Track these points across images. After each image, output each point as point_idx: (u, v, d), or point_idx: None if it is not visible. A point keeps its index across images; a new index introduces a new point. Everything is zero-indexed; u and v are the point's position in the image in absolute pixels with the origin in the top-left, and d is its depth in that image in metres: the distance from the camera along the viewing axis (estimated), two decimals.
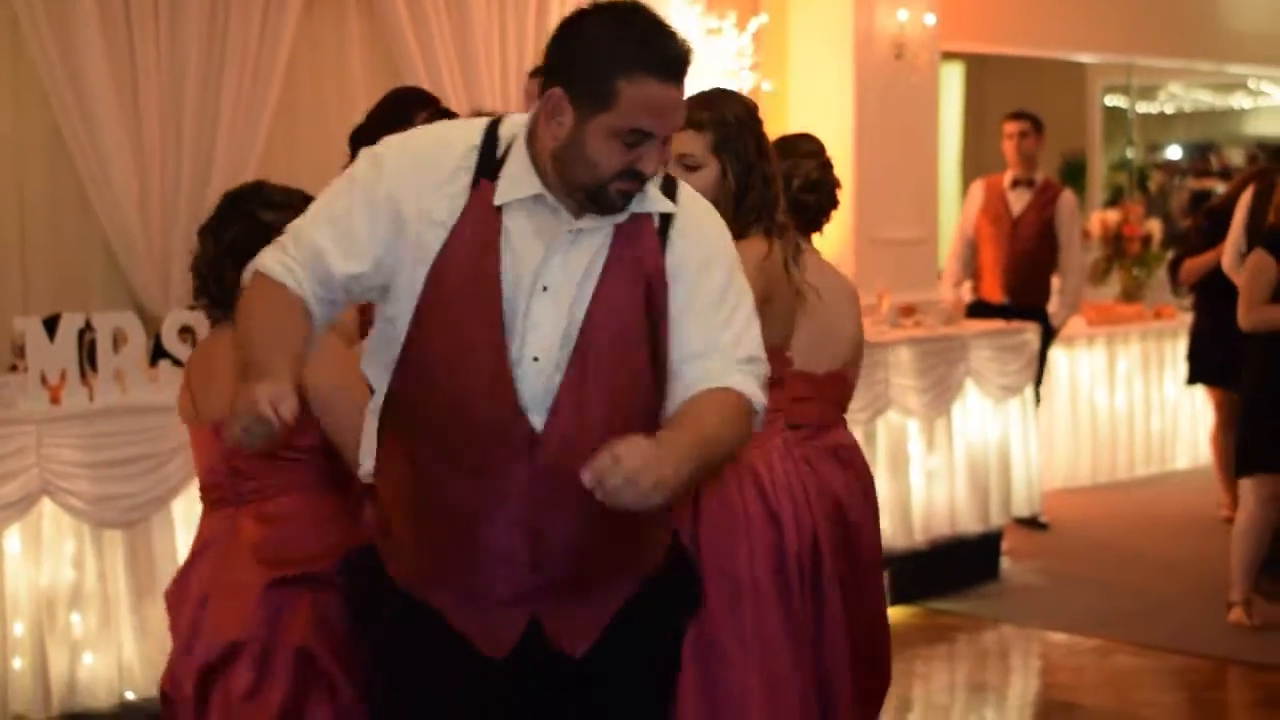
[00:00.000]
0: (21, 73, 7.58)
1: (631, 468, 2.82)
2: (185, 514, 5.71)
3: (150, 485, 5.63)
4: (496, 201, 3.10)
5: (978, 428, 8.46)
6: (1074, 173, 14.57)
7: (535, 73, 8.39)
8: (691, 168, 4.01)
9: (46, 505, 5.44)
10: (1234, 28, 14.02)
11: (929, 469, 8.12)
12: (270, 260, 3.15)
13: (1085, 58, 13.85)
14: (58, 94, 7.39)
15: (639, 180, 3.10)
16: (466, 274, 3.09)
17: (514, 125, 3.19)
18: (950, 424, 8.28)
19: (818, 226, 4.93)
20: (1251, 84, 15.50)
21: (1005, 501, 8.59)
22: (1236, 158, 16.75)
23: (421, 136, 3.25)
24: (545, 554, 3.16)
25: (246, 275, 3.22)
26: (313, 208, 3.22)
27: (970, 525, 8.29)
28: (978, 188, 9.78)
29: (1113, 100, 15.21)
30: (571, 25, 3.10)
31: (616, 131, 3.03)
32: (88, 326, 5.62)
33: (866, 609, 4.72)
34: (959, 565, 8.15)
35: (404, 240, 3.12)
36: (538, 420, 3.11)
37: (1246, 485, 7.40)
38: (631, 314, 3.16)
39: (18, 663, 5.41)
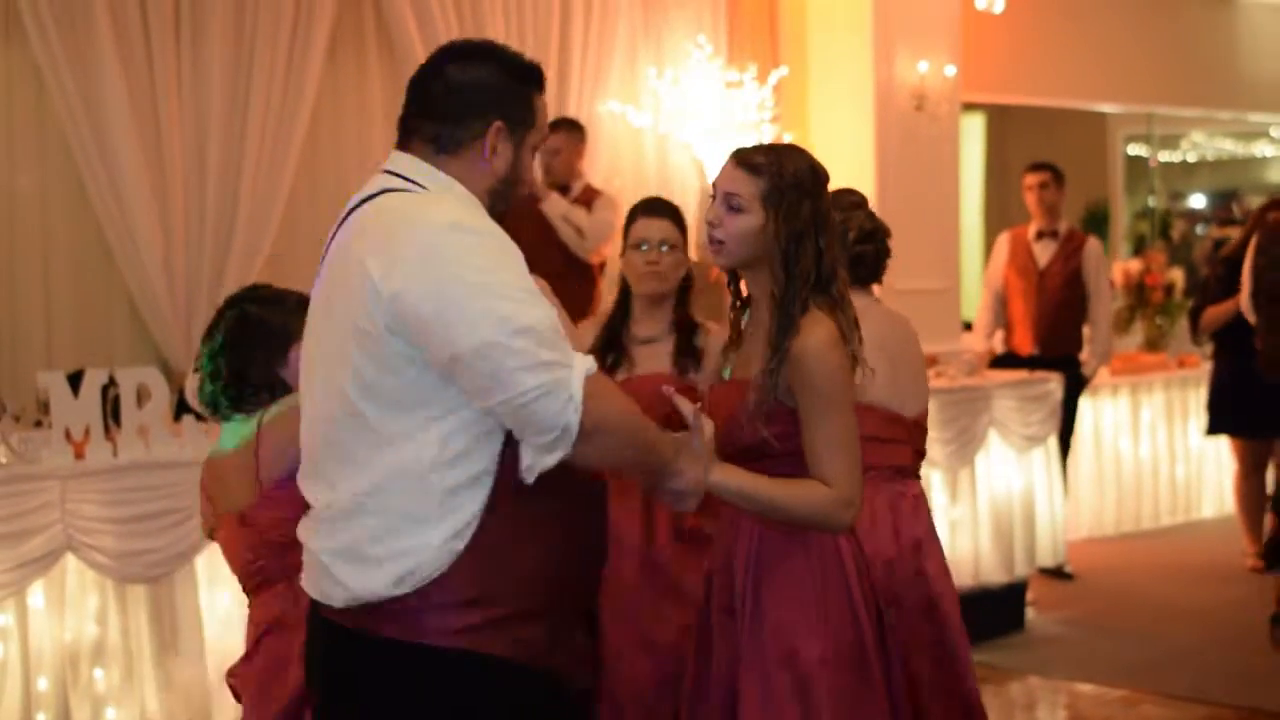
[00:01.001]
0: (47, 128, 7.63)
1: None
2: (208, 569, 5.71)
3: (174, 540, 5.63)
4: None
5: (1001, 478, 8.44)
6: (1096, 222, 14.57)
7: (550, 127, 8.48)
8: (735, 209, 3.85)
9: (70, 560, 5.44)
10: (1254, 76, 14.04)
11: (953, 519, 8.09)
12: (590, 362, 3.06)
13: (1106, 107, 13.87)
14: (82, 149, 7.44)
15: None
16: None
17: (420, 174, 3.24)
18: (974, 474, 8.26)
19: (878, 276, 4.93)
20: (1274, 132, 15.49)
21: (1030, 552, 8.55)
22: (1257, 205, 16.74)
23: (470, 211, 3.18)
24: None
25: (574, 408, 2.99)
26: (515, 297, 2.99)
27: (995, 576, 8.26)
28: (1004, 240, 9.80)
29: (1135, 149, 15.21)
30: (463, 69, 3.24)
31: (535, 145, 3.30)
32: (111, 382, 5.64)
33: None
34: (984, 616, 8.11)
35: None
36: None
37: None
38: None
39: (41, 718, 5.41)
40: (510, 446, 3.06)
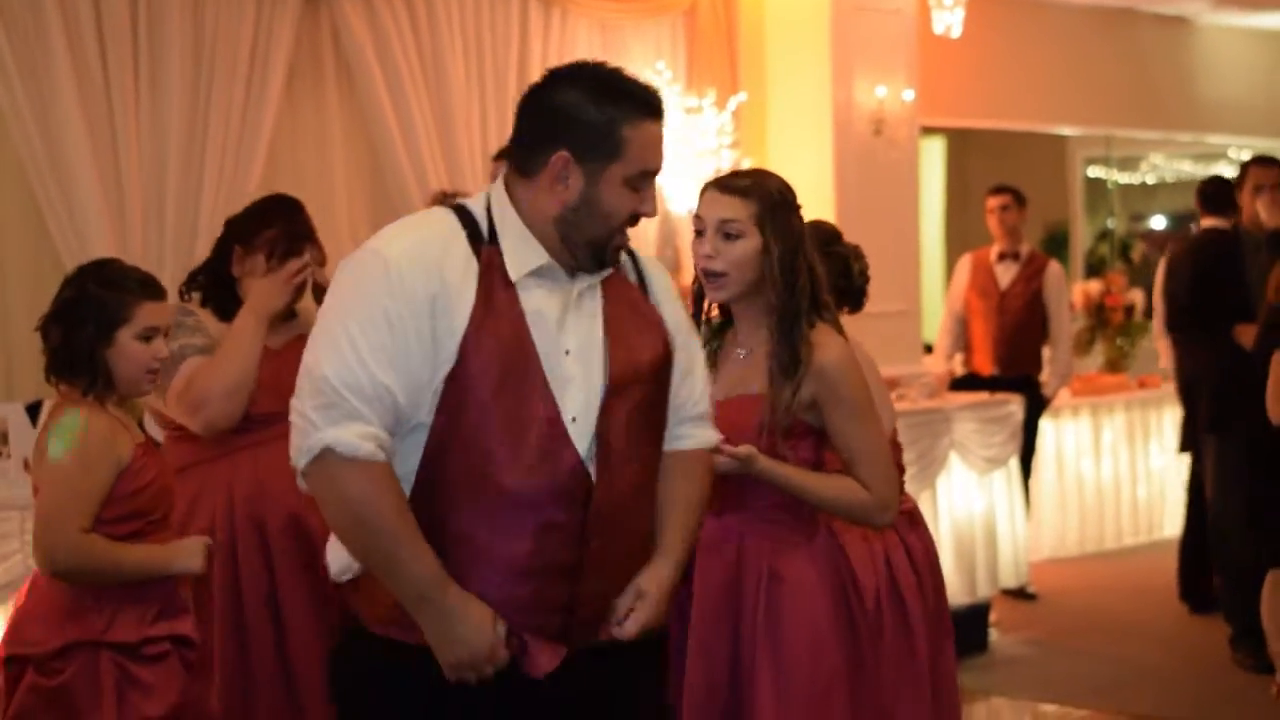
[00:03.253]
0: (3, 156, 7.62)
1: (657, 600, 3.30)
2: None
3: None
4: (512, 277, 3.17)
5: (963, 500, 8.46)
6: (1057, 244, 14.61)
7: (499, 156, 8.48)
8: (732, 235, 3.93)
9: None
10: (1212, 99, 14.12)
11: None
12: (353, 438, 3.05)
13: (1066, 130, 13.93)
14: (40, 178, 7.41)
15: (635, 223, 3.27)
16: (504, 350, 3.13)
17: (478, 204, 3.30)
18: (935, 497, 8.27)
19: (861, 304, 4.98)
20: (1232, 153, 15.54)
21: (993, 573, 8.57)
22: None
23: (415, 239, 3.19)
24: (582, 594, 3.24)
25: (307, 456, 3.09)
26: (341, 346, 3.07)
27: (958, 597, 8.26)
28: (965, 262, 9.86)
29: (1094, 171, 15.27)
30: (548, 93, 3.24)
31: (628, 178, 3.19)
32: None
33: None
34: None
35: (433, 342, 3.12)
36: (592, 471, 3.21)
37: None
38: (647, 354, 3.33)
39: None
40: (431, 451, 3.14)
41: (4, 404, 5.77)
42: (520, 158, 3.25)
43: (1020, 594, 9.24)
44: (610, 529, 3.22)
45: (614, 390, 3.24)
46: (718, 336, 4.15)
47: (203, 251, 7.70)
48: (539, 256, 3.20)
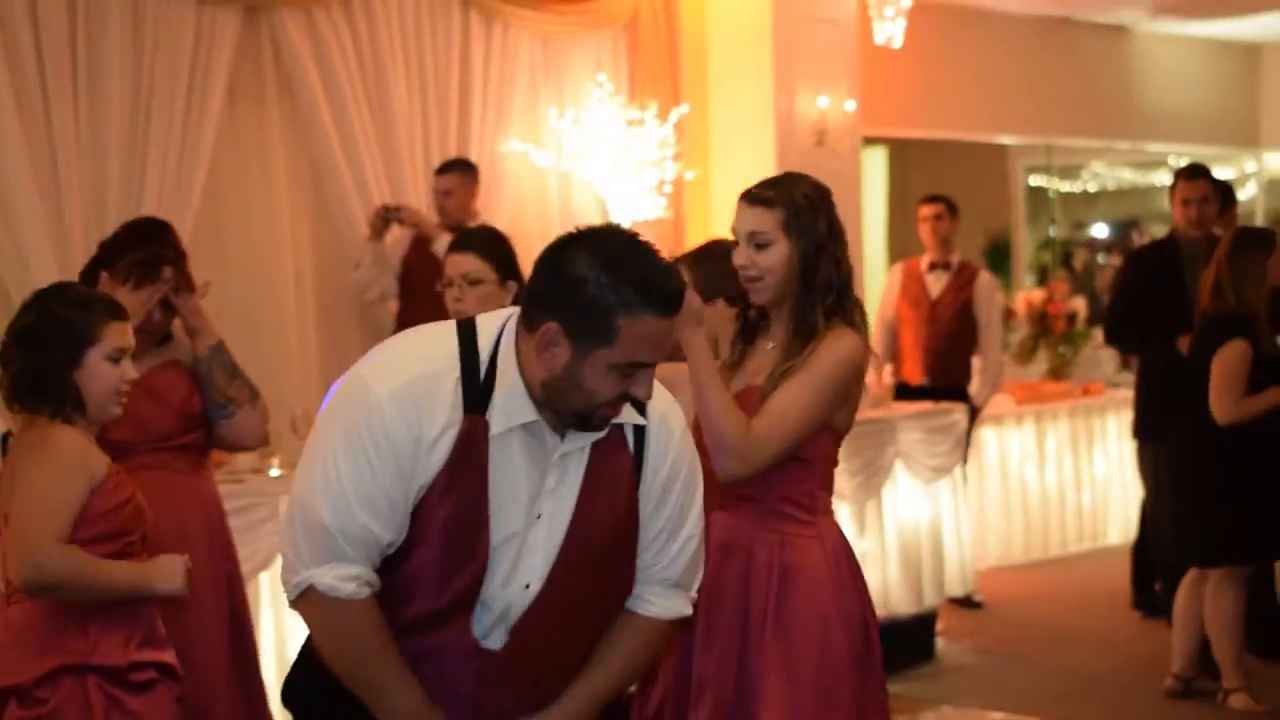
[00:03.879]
0: None
1: None
2: None
3: None
4: (494, 432, 3.12)
5: (909, 509, 8.47)
6: (999, 253, 14.69)
7: (441, 170, 8.46)
8: (761, 245, 4.07)
9: None
10: (1151, 107, 14.20)
11: (861, 551, 8.05)
12: (333, 579, 3.12)
13: (1006, 139, 14.00)
14: None
15: (625, 402, 3.18)
16: (460, 510, 3.14)
17: (489, 334, 3.20)
18: (881, 506, 8.28)
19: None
20: (1172, 161, 15.64)
21: (939, 581, 8.58)
22: (1160, 233, 16.92)
23: (406, 379, 3.14)
24: (488, 712, 3.30)
25: (295, 591, 3.17)
26: (330, 487, 3.11)
27: (904, 606, 8.28)
28: (896, 271, 9.91)
29: (1036, 180, 15.35)
30: (563, 258, 3.10)
31: (615, 365, 3.07)
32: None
33: None
34: (894, 646, 8.04)
35: (412, 487, 3.14)
36: (496, 641, 3.24)
37: (1223, 574, 7.19)
38: (609, 532, 3.26)
39: None
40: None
41: None
42: (524, 311, 3.16)
43: (966, 602, 9.25)
44: (511, 684, 3.28)
45: (561, 563, 3.22)
46: (751, 334, 4.26)
47: None
48: (527, 413, 3.14)
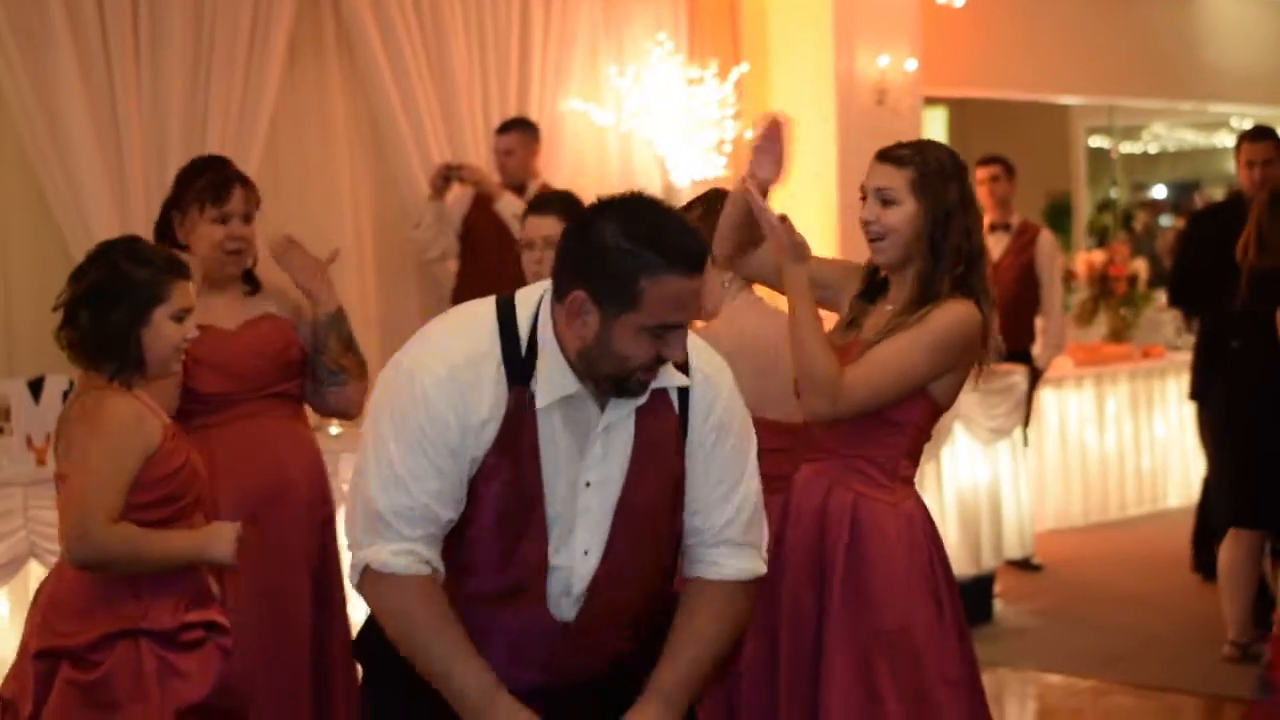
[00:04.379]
0: (4, 136, 7.59)
1: None
2: None
3: None
4: (539, 405, 3.17)
5: (968, 471, 8.45)
6: (1059, 214, 14.60)
7: (502, 129, 8.45)
8: (887, 202, 4.05)
9: (34, 567, 5.41)
10: (1215, 67, 14.06)
11: None
12: (386, 555, 3.16)
13: (1068, 100, 13.89)
14: (41, 156, 7.38)
15: (661, 365, 3.20)
16: (511, 491, 3.19)
17: (528, 308, 3.24)
18: (940, 468, 8.26)
19: None
20: (1234, 122, 15.51)
21: (997, 544, 8.57)
22: (1220, 196, 16.82)
23: (449, 367, 3.18)
24: (562, 683, 3.32)
25: (355, 574, 3.23)
26: (385, 472, 3.16)
27: (963, 568, 8.25)
28: None
29: (1096, 141, 15.25)
30: (586, 228, 3.16)
31: (643, 328, 3.11)
32: (72, 387, 5.61)
33: None
34: None
35: (464, 462, 3.18)
36: (569, 611, 3.28)
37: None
38: (661, 496, 3.29)
39: None
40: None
41: (6, 380, 5.76)
42: (554, 282, 3.20)
43: (1025, 565, 9.23)
44: (583, 651, 3.30)
45: (617, 529, 3.25)
46: (872, 294, 4.22)
47: None
48: (570, 385, 3.19)
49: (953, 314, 4.00)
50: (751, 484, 3.40)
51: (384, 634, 3.30)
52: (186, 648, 4.07)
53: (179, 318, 4.13)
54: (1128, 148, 15.91)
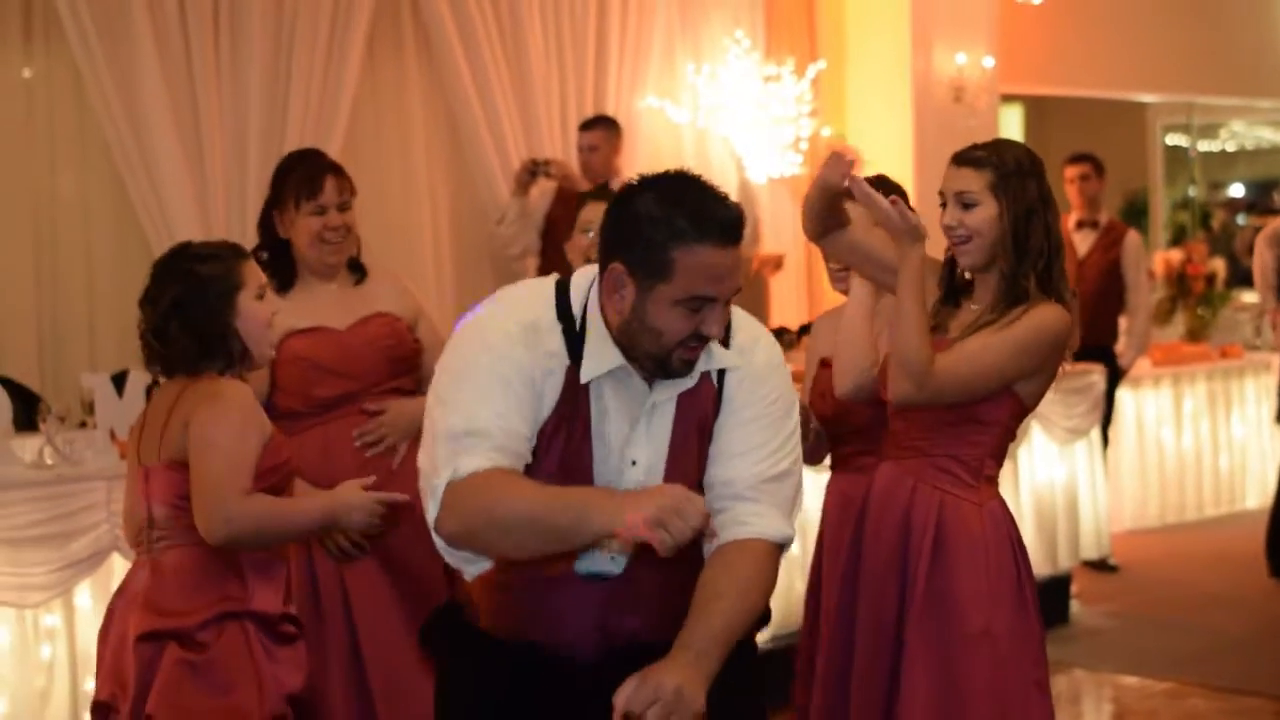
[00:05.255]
0: (87, 130, 7.67)
1: (670, 697, 2.99)
2: None
3: None
4: (584, 378, 3.19)
5: (1044, 471, 8.41)
6: (1136, 212, 14.51)
7: (585, 126, 8.47)
8: (968, 205, 4.05)
9: (117, 560, 5.45)
10: None
11: None
12: (466, 464, 3.11)
13: (1145, 97, 13.82)
14: (122, 150, 7.45)
15: (703, 343, 3.19)
16: (564, 456, 3.22)
17: (581, 288, 3.27)
18: (1017, 467, 8.22)
19: None
20: None
21: (1074, 544, 8.52)
22: None
23: (520, 325, 3.22)
24: (613, 637, 3.32)
25: (435, 504, 3.16)
26: (457, 404, 3.16)
27: (1039, 568, 8.16)
28: None
29: (1174, 139, 15.15)
30: (624, 202, 3.19)
31: (678, 300, 3.11)
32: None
33: None
34: None
35: (534, 408, 3.20)
36: (619, 566, 3.28)
37: None
38: (695, 466, 3.30)
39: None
40: None
41: (90, 375, 5.80)
42: (599, 259, 3.24)
43: (1102, 565, 9.18)
44: (633, 609, 3.31)
45: None
46: (955, 296, 4.21)
47: None
48: (615, 359, 3.21)
49: (1043, 317, 3.99)
50: (786, 454, 3.36)
51: (449, 618, 3.40)
52: (283, 640, 4.10)
53: (260, 295, 4.16)
54: (1205, 146, 15.79)
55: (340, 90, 8.07)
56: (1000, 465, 4.21)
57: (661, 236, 3.08)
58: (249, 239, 7.64)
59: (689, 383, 3.26)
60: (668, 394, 3.26)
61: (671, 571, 3.26)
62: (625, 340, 3.19)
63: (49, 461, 5.51)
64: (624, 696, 2.99)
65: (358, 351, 4.95)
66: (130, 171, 7.47)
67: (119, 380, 5.64)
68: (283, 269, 5.03)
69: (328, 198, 4.98)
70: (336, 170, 5.08)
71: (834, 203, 4.12)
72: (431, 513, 3.15)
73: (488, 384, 3.14)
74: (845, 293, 4.61)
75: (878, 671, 4.08)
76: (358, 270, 5.15)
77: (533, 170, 8.35)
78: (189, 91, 7.61)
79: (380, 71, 8.52)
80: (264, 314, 4.16)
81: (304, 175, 5.01)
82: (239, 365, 4.15)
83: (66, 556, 5.30)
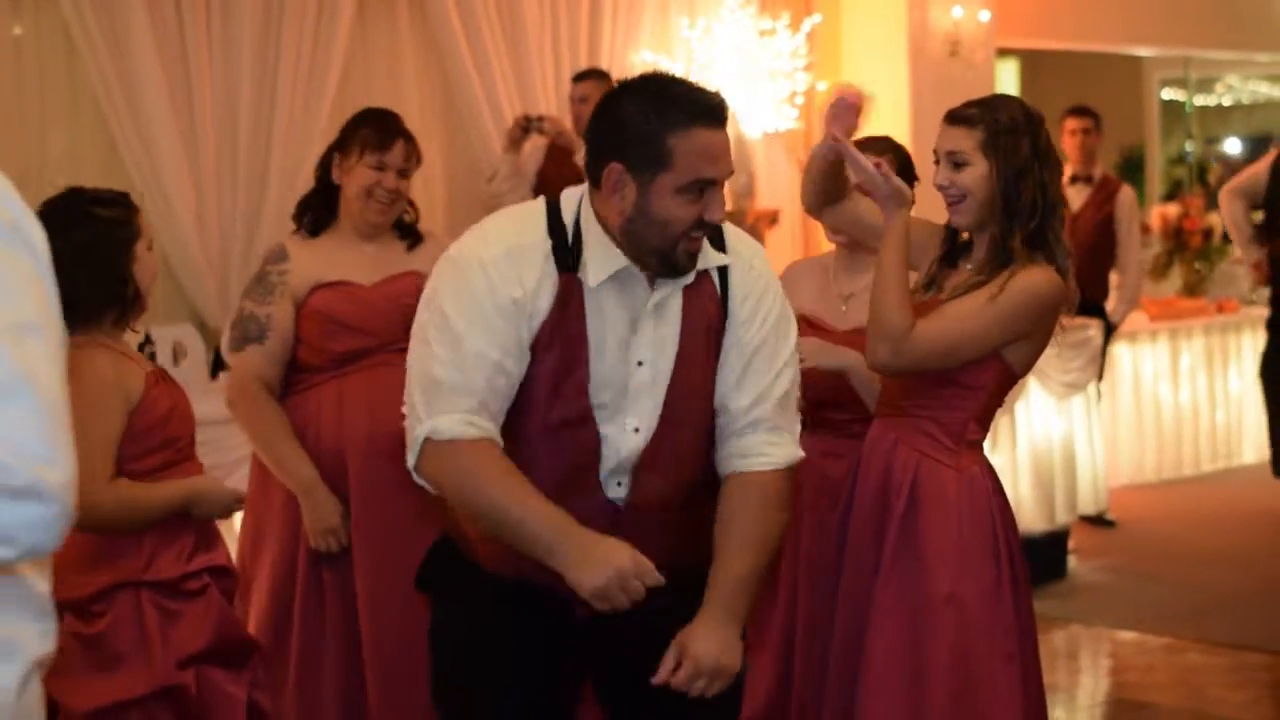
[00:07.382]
0: (78, 88, 7.61)
1: (709, 668, 3.20)
2: None
3: None
4: (591, 284, 3.27)
5: (1041, 426, 8.40)
6: (1132, 167, 14.49)
7: (578, 78, 8.41)
8: (959, 164, 4.01)
9: None
10: None
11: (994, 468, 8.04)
12: (447, 423, 3.22)
13: (1141, 51, 13.78)
14: (113, 108, 7.41)
15: (705, 231, 3.27)
16: (560, 366, 3.28)
17: (572, 201, 3.36)
18: (1014, 422, 8.21)
19: None
20: None
21: (1071, 499, 8.52)
22: None
23: (504, 249, 3.30)
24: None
25: (414, 451, 3.28)
26: (442, 341, 3.26)
27: (1036, 524, 8.21)
28: None
29: (1170, 94, 15.12)
30: (608, 105, 3.32)
31: (680, 187, 3.21)
32: (148, 340, 5.62)
33: None
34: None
35: (521, 326, 3.28)
36: (620, 491, 3.36)
37: None
38: (706, 377, 3.38)
39: None
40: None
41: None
42: (589, 168, 3.33)
43: (1099, 521, 9.18)
44: (641, 527, 3.31)
45: (667, 407, 3.34)
46: (953, 257, 4.17)
47: (276, 181, 7.79)
48: (618, 260, 3.29)
49: (1030, 280, 3.92)
50: (786, 370, 3.45)
51: (444, 556, 3.47)
52: (189, 596, 4.07)
53: (150, 246, 4.12)
54: (1202, 100, 15.75)
55: (332, 45, 8.02)
56: (985, 430, 4.16)
57: (656, 127, 3.19)
58: (240, 196, 7.70)
59: (689, 279, 3.34)
60: (671, 290, 3.33)
61: (675, 505, 3.37)
62: (628, 240, 3.27)
63: None
64: (663, 676, 3.17)
65: (379, 307, 4.91)
66: (120, 128, 7.43)
67: None
68: (321, 213, 5.00)
69: (392, 158, 4.93)
70: (409, 137, 5.04)
71: (835, 169, 4.10)
72: (411, 458, 3.29)
73: (478, 324, 3.22)
74: (842, 245, 4.60)
75: (856, 626, 4.04)
76: (410, 235, 5.11)
77: (525, 127, 8.28)
78: (180, 48, 7.57)
79: (372, 27, 8.46)
80: (154, 264, 4.14)
81: (378, 128, 4.98)
82: (136, 312, 4.11)
83: None
